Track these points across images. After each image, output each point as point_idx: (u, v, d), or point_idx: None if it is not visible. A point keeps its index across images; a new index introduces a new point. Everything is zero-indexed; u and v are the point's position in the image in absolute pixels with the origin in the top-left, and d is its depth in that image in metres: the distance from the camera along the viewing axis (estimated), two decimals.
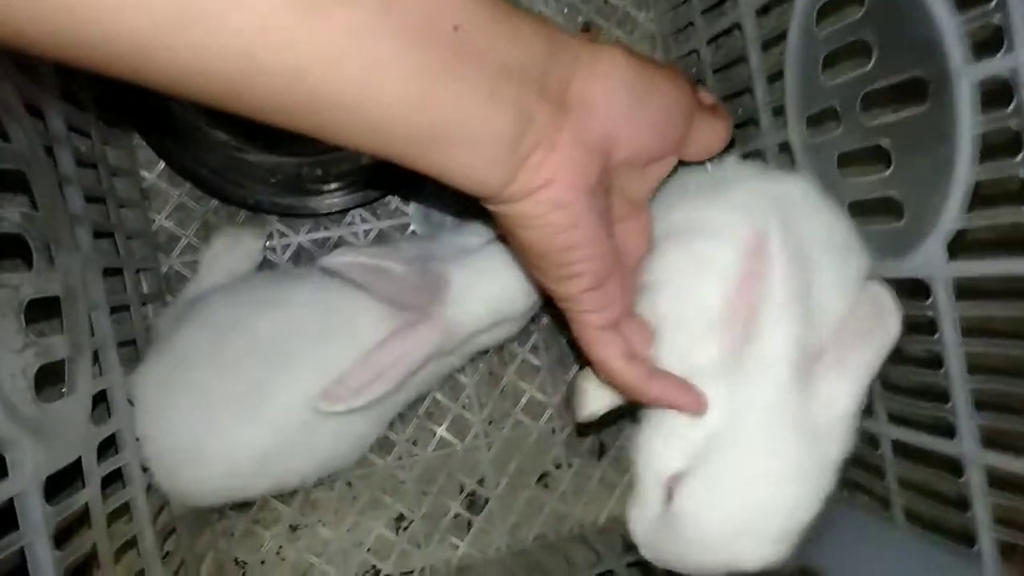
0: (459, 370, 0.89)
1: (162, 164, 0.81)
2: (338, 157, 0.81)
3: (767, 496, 0.50)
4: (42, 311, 0.54)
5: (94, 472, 0.55)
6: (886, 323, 0.53)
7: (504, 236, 0.55)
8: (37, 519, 0.46)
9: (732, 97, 0.84)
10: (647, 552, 0.56)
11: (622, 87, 0.47)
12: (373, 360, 0.65)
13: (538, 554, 0.88)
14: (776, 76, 0.73)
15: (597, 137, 0.47)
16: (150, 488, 0.66)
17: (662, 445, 0.55)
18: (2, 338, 0.46)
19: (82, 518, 0.54)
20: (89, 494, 0.54)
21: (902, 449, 0.66)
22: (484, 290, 0.69)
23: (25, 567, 0.46)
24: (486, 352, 0.89)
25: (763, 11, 0.72)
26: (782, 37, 0.69)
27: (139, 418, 0.66)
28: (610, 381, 0.56)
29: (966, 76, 0.50)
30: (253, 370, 0.66)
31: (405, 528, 0.88)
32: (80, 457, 0.54)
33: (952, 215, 0.54)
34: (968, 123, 0.51)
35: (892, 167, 0.59)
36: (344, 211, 0.85)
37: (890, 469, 0.67)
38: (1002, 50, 0.47)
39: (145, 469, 0.65)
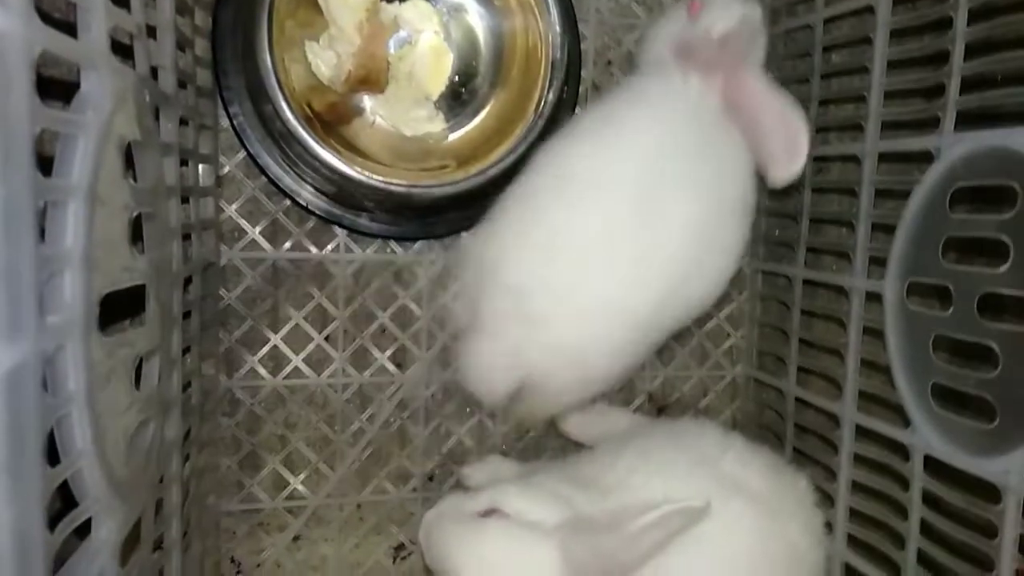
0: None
1: (242, 154, 0.77)
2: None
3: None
4: None
5: (151, 528, 0.52)
6: None
7: None
8: None
9: (822, 222, 0.83)
10: (427, 519, 0.66)
11: None
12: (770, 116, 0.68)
13: None
14: (884, 228, 0.72)
15: None
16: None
17: (516, 492, 0.65)
18: (113, 403, 0.42)
19: None
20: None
21: None
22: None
23: None
24: None
25: (895, 157, 0.71)
26: (904, 195, 0.68)
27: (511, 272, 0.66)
28: None
29: None
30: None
31: (404, 558, 0.88)
32: None
33: None
34: None
35: (999, 371, 0.59)
36: (415, 239, 0.83)
37: None
38: None
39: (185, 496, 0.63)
